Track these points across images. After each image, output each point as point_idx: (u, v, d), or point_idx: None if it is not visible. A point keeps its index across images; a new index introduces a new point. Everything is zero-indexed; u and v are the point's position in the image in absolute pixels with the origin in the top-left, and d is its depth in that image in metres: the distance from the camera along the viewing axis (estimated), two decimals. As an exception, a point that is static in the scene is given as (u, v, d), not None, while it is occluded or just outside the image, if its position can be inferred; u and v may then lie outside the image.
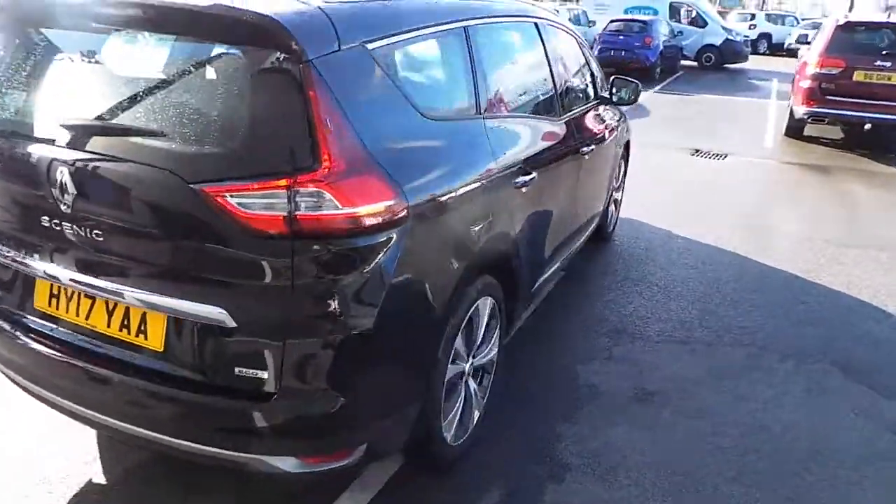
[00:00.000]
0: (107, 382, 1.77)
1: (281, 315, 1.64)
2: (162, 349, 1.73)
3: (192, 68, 1.73)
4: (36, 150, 1.79)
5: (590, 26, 16.76)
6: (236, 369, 1.67)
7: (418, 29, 2.08)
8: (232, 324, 1.63)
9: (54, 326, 1.89)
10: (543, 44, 3.02)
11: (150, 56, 1.75)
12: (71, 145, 1.74)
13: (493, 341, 2.48)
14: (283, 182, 1.55)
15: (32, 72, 1.91)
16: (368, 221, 1.64)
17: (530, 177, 2.50)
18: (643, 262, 4.44)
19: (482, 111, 2.30)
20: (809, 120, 8.44)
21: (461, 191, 2.03)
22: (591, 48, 14.38)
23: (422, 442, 2.12)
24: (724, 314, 3.69)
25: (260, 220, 1.56)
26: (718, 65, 17.62)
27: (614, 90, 3.84)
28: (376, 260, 1.67)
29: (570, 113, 3.23)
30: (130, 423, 1.79)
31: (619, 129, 4.28)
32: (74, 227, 1.74)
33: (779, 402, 2.89)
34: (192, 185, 1.58)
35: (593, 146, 3.45)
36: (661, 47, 14.75)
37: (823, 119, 8.38)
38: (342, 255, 1.63)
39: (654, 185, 6.33)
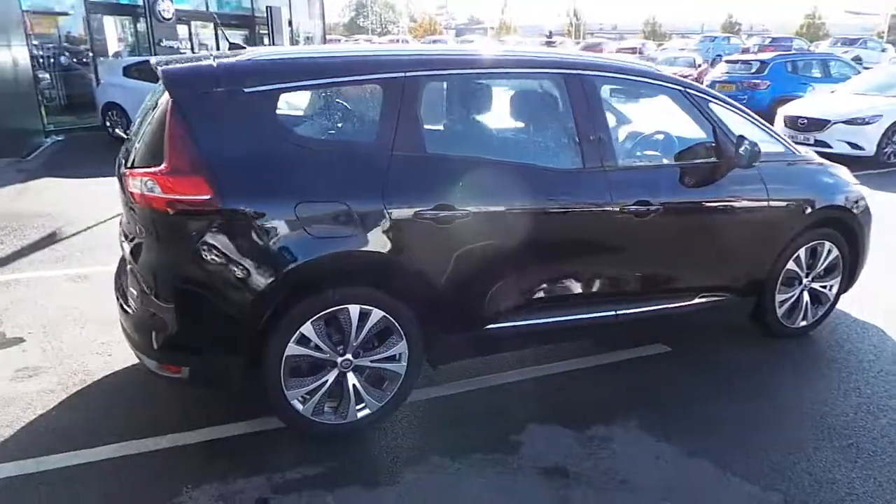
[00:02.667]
0: None
1: (141, 256, 2.58)
2: None
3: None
4: None
5: None
6: (129, 288, 2.66)
7: (329, 77, 2.71)
8: (128, 255, 2.66)
9: None
10: (569, 96, 2.99)
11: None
12: None
13: (389, 352, 2.76)
14: (144, 172, 2.47)
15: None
16: (180, 207, 2.40)
17: (457, 213, 2.67)
18: (793, 371, 3.51)
19: (391, 148, 2.65)
20: None
21: (312, 204, 2.50)
22: None
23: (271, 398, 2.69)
24: (827, 466, 2.73)
25: (136, 195, 2.51)
26: None
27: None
28: (188, 234, 2.41)
29: (615, 168, 3.06)
30: None
31: (804, 199, 3.62)
32: None
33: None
34: (124, 168, 2.64)
35: (661, 207, 3.09)
36: None
37: None
38: (165, 224, 2.46)
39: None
